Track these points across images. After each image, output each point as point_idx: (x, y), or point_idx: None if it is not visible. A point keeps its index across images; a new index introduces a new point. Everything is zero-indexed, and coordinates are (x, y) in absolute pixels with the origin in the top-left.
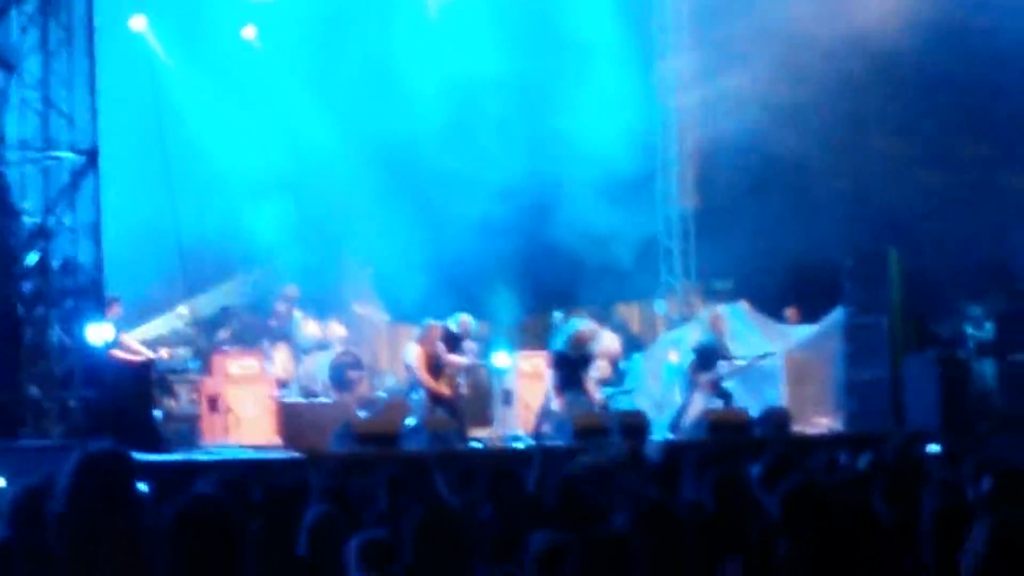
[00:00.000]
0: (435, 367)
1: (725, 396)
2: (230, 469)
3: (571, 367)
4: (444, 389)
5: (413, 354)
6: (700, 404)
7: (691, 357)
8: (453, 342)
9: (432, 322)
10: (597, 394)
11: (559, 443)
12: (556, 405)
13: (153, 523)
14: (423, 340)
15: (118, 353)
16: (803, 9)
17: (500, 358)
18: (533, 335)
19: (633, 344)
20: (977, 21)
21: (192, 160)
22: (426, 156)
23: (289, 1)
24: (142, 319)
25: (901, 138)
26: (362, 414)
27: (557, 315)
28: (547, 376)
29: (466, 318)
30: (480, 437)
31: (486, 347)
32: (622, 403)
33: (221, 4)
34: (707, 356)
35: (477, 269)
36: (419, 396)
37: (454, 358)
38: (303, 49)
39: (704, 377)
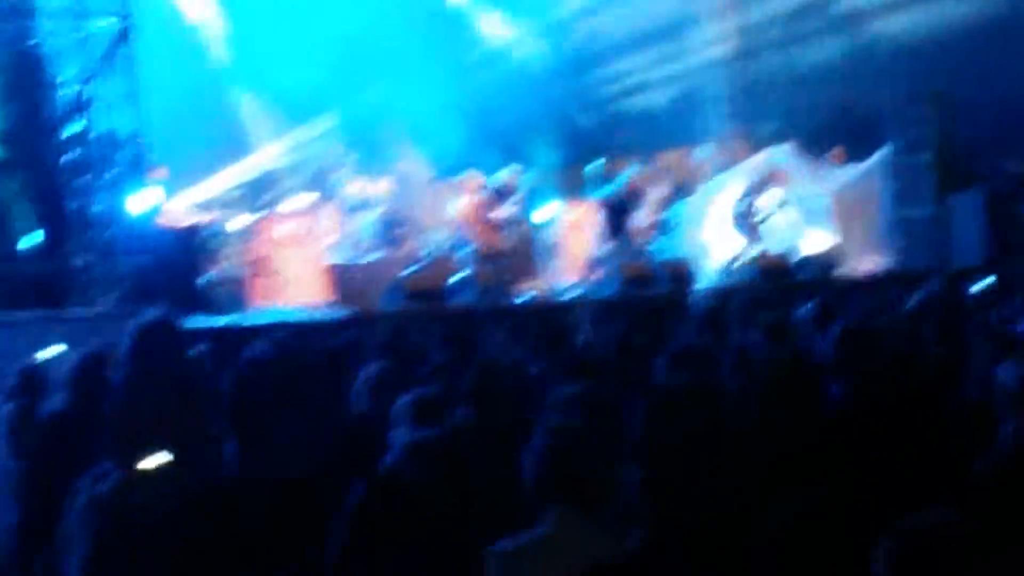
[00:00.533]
0: (480, 219)
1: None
2: (281, 330)
3: (618, 215)
4: (491, 241)
5: (458, 207)
6: (749, 248)
7: (740, 200)
8: (501, 195)
9: (473, 173)
10: (644, 242)
11: (607, 292)
12: (604, 252)
13: (210, 384)
14: (466, 192)
15: (166, 218)
16: None
17: (545, 209)
18: (575, 185)
19: (677, 191)
20: None
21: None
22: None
23: None
24: (188, 183)
25: None
26: (410, 270)
27: (599, 164)
28: (593, 225)
29: (514, 169)
30: (529, 290)
31: (530, 198)
32: (668, 250)
33: None
34: (754, 200)
35: (517, 120)
36: (466, 250)
37: (498, 210)
38: None
39: (752, 220)
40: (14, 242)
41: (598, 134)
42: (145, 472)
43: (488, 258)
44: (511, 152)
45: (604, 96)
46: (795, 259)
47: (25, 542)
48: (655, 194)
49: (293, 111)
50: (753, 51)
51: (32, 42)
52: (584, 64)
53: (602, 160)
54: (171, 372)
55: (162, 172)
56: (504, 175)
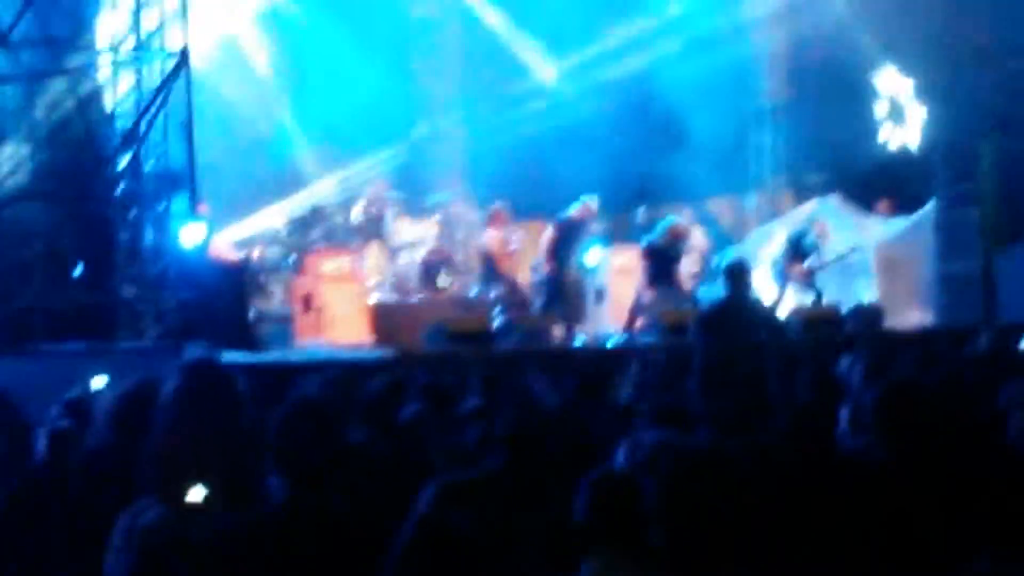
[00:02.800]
0: (505, 251)
1: (816, 291)
2: (326, 369)
3: (663, 262)
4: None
5: (485, 239)
6: (792, 298)
7: (784, 249)
8: (578, 228)
9: (500, 204)
10: (688, 289)
11: (650, 340)
12: (647, 300)
13: (253, 422)
14: (493, 224)
15: (213, 253)
16: None
17: (592, 254)
18: (623, 230)
19: (723, 239)
20: None
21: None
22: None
23: None
24: (235, 219)
25: (992, 30)
26: (455, 312)
27: (644, 211)
28: (639, 271)
29: (590, 201)
30: (574, 335)
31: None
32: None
33: None
34: (799, 248)
35: (567, 165)
36: (495, 285)
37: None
38: None
39: (797, 269)
40: (64, 273)
41: (647, 180)
42: (188, 506)
43: (515, 294)
44: (557, 198)
45: (654, 142)
46: (838, 312)
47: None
48: (701, 242)
49: (343, 148)
50: (800, 102)
51: (89, 72)
52: (635, 108)
53: (648, 206)
54: (215, 410)
55: (204, 208)
56: (584, 205)
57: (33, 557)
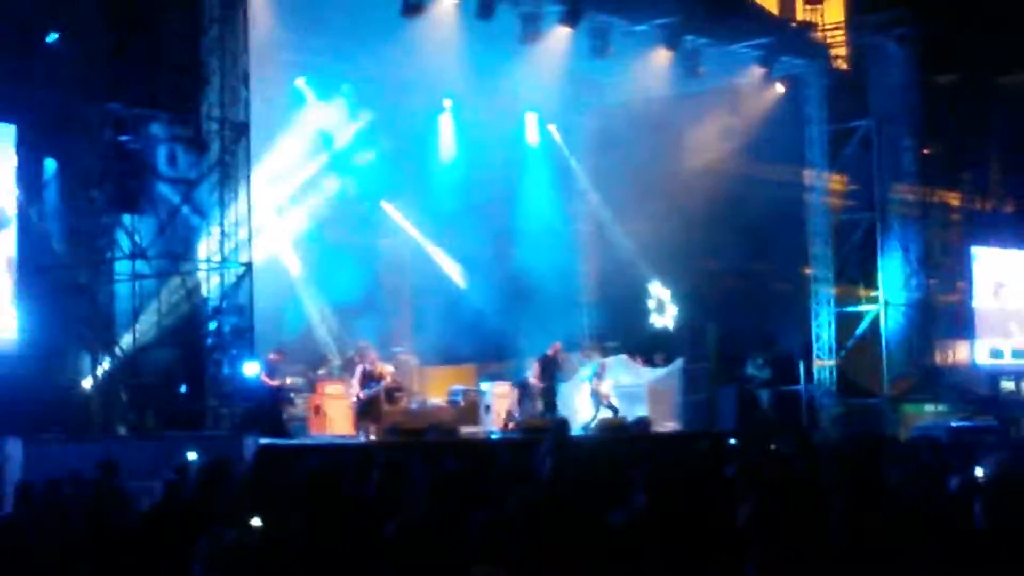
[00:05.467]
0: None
1: (614, 408)
2: (331, 450)
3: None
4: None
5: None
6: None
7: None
8: (551, 365)
9: (367, 345)
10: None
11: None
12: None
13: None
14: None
15: (263, 380)
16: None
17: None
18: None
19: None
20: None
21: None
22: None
23: None
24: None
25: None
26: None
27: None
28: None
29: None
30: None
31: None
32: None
33: None
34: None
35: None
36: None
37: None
38: None
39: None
40: (176, 390)
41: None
42: (251, 529)
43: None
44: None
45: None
46: (624, 421)
47: None
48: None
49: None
50: (604, 298)
51: (193, 273)
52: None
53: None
54: (271, 473)
55: (278, 358)
56: (554, 347)
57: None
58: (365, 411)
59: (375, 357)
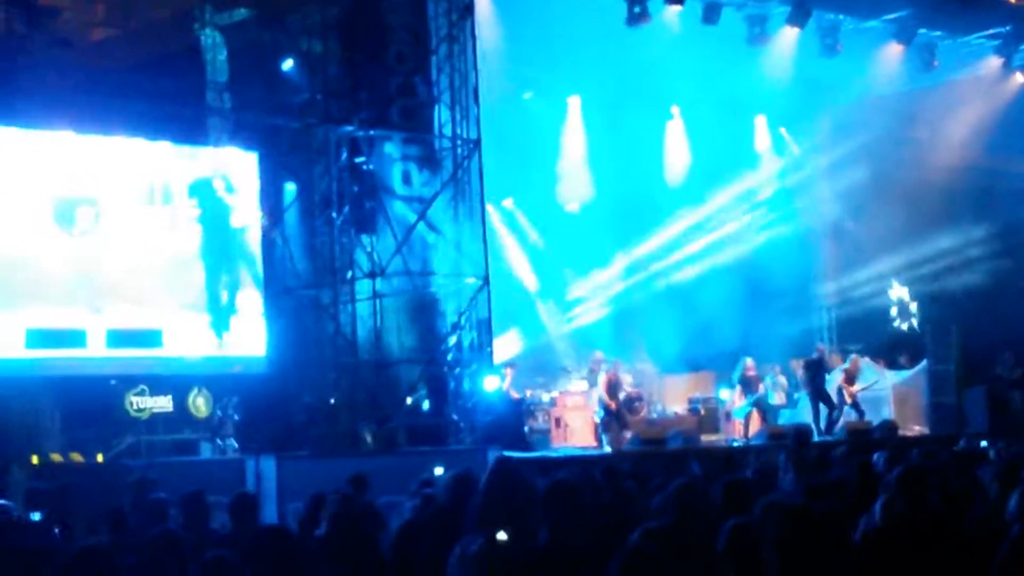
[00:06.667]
0: (613, 390)
1: (860, 410)
2: (571, 462)
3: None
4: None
5: (600, 381)
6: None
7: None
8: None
9: (616, 360)
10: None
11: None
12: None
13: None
14: (608, 372)
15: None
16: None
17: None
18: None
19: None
20: None
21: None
22: None
23: None
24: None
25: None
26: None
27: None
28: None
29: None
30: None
31: None
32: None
33: None
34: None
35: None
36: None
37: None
38: None
39: (848, 395)
40: (419, 407)
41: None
42: (497, 540)
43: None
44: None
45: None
46: (871, 426)
47: None
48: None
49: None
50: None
51: (430, 289)
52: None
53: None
54: (509, 484)
55: (510, 372)
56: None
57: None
58: (614, 419)
59: (620, 365)
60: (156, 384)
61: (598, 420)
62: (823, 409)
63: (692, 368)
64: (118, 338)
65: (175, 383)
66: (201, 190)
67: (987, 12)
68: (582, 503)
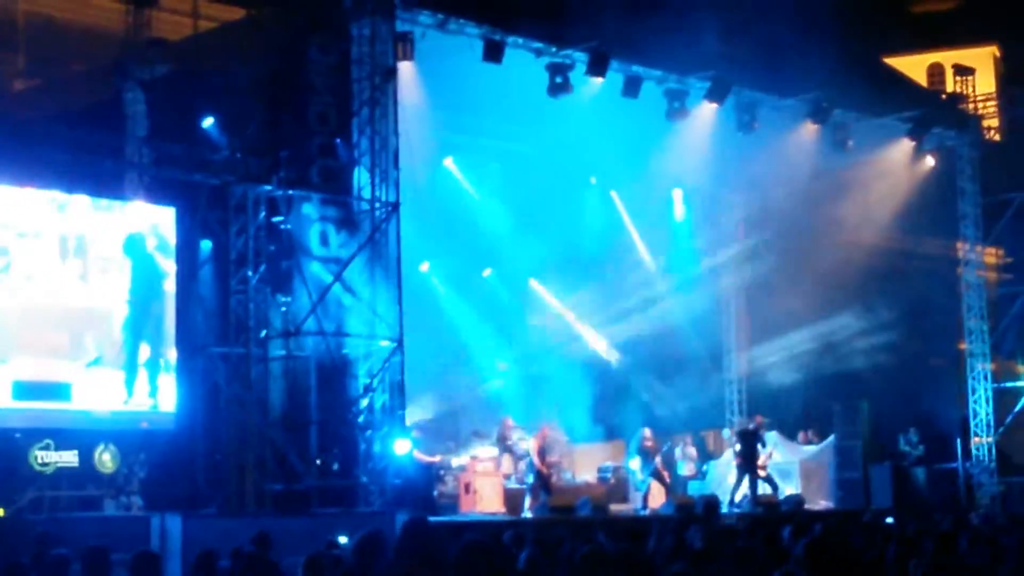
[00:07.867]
0: (543, 453)
1: (774, 484)
2: (479, 527)
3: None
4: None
5: (531, 446)
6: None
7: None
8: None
9: (546, 425)
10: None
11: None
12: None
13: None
14: (536, 437)
15: (415, 456)
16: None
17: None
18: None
19: (710, 455)
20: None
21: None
22: None
23: None
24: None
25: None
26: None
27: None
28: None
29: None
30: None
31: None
32: (703, 489)
33: None
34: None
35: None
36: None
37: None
38: None
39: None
40: (328, 467)
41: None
42: None
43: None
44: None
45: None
46: (779, 499)
47: None
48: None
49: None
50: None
51: (344, 351)
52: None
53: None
54: (422, 543)
55: (417, 434)
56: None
57: None
58: (541, 485)
59: (554, 425)
60: (62, 438)
61: (527, 484)
62: (747, 480)
63: (605, 436)
64: (24, 390)
65: (82, 438)
66: (133, 245)
67: (900, 95)
68: (498, 567)
